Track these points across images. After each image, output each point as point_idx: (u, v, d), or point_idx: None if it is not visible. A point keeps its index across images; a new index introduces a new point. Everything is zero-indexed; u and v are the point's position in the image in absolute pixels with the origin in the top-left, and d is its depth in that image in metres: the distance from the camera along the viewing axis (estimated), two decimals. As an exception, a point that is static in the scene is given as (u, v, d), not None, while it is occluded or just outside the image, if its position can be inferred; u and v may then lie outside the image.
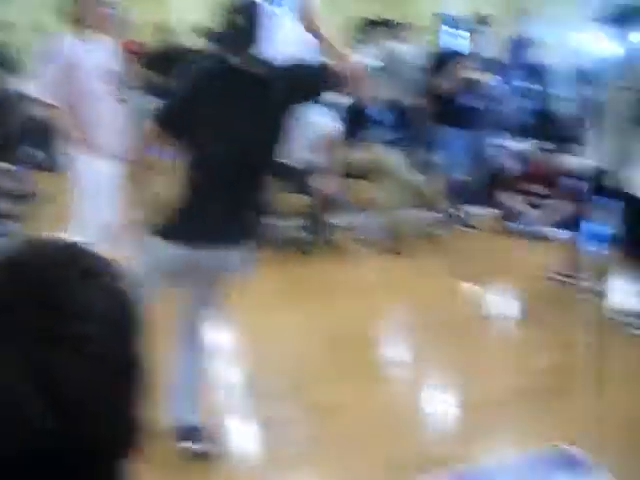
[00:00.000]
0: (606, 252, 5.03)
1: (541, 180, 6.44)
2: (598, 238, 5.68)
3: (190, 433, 2.97)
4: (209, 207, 2.71)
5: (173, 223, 2.75)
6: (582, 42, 10.25)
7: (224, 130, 2.68)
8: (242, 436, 3.30)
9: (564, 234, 5.98)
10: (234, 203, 2.77)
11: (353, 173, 6.05)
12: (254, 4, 2.66)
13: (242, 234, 2.83)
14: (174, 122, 2.74)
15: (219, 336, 4.32)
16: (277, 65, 2.73)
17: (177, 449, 2.93)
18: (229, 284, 2.98)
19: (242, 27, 2.64)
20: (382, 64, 6.52)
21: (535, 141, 6.54)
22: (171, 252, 2.72)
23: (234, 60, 2.68)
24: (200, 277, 2.89)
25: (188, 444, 2.95)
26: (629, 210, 4.64)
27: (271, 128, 2.77)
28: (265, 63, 2.70)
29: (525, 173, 6.52)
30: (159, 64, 7.60)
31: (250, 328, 4.36)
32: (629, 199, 4.48)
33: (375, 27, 10.28)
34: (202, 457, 2.95)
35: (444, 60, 6.38)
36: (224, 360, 4.02)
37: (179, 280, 2.88)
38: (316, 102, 5.61)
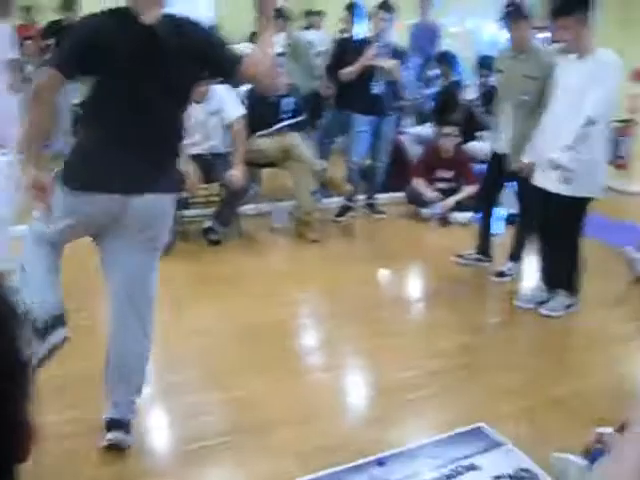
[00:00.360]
0: (508, 233, 5.22)
1: (448, 165, 6.56)
2: (503, 220, 5.89)
3: (109, 423, 2.93)
4: (122, 148, 2.64)
5: (81, 169, 2.68)
6: (484, 30, 10.54)
7: (131, 73, 2.61)
8: (156, 428, 3.27)
9: (471, 217, 6.14)
10: (148, 147, 2.70)
11: (261, 161, 6.02)
12: None
13: (164, 181, 2.75)
14: (77, 61, 2.60)
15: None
16: (194, 25, 2.72)
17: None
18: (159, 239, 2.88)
19: None
20: (285, 51, 6.51)
21: (440, 127, 6.64)
22: (86, 200, 2.63)
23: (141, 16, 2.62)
24: (124, 230, 2.76)
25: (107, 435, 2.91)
26: (523, 193, 4.84)
27: (177, 85, 2.71)
28: (180, 20, 2.69)
29: (431, 158, 6.62)
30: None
31: (162, 320, 4.30)
32: (523, 183, 4.66)
33: (281, 15, 10.28)
34: (116, 448, 2.91)
35: (349, 47, 6.41)
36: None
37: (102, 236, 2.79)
38: (221, 87, 5.60)
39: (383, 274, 5.46)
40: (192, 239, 5.70)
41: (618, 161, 7.81)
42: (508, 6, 4.75)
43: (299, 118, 6.08)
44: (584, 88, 4.02)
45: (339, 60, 6.41)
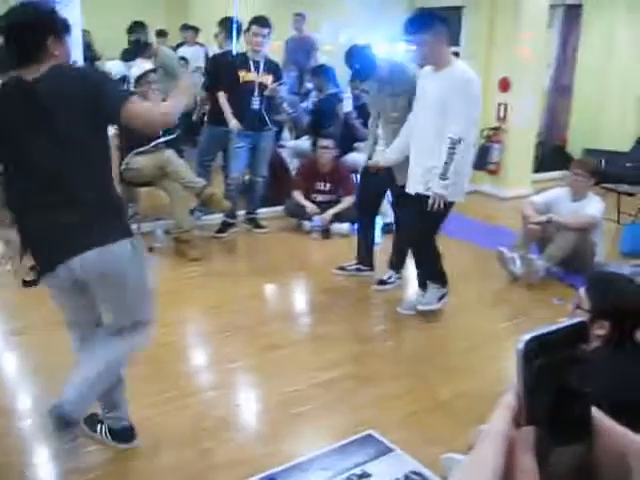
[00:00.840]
0: (387, 242, 5.32)
1: (326, 177, 6.62)
2: (381, 229, 6.00)
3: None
4: (36, 218, 2.64)
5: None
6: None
7: (17, 139, 2.59)
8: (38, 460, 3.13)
9: (351, 228, 6.22)
10: (61, 206, 2.61)
11: (138, 180, 5.89)
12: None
13: (98, 232, 2.66)
14: None
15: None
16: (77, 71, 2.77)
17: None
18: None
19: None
20: (155, 67, 6.40)
21: (317, 140, 6.70)
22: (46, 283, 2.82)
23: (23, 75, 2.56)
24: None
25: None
26: (395, 200, 4.97)
27: (72, 136, 2.60)
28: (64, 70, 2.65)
29: (309, 171, 6.66)
30: None
31: (47, 347, 4.14)
32: (396, 191, 4.79)
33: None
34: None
35: (225, 62, 6.39)
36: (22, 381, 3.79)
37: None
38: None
39: (268, 289, 5.44)
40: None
41: (489, 167, 8.12)
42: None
43: (174, 135, 5.98)
44: (443, 98, 4.13)
45: (216, 76, 6.38)
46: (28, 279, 5.00)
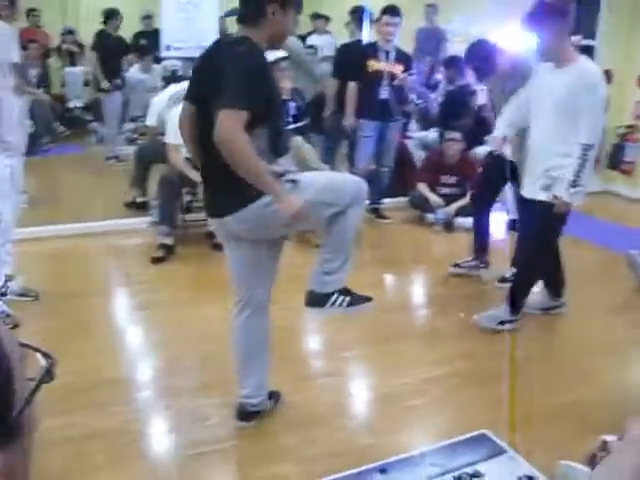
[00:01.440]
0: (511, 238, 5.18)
1: (452, 170, 6.54)
2: (507, 225, 5.85)
3: None
4: None
5: None
6: (490, 37, 10.48)
7: None
8: (157, 433, 3.26)
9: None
10: None
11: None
12: None
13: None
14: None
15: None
16: None
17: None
18: None
19: None
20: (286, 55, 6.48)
21: (445, 132, 6.62)
22: None
23: None
24: None
25: None
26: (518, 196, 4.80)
27: None
28: None
29: (435, 163, 6.60)
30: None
31: (165, 323, 4.30)
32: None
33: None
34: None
35: (355, 52, 6.41)
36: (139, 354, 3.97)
37: None
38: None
39: (388, 279, 5.44)
40: (195, 243, 5.69)
41: (623, 166, 7.78)
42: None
43: (303, 122, 6.06)
44: (569, 96, 3.90)
45: (344, 65, 6.41)
46: (157, 255, 5.24)
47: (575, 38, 8.44)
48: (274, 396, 3.36)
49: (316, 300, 3.19)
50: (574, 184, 3.94)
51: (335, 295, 3.17)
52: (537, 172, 4.11)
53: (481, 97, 6.90)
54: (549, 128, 4.04)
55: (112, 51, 8.42)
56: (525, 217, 4.43)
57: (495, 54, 4.66)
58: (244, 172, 2.63)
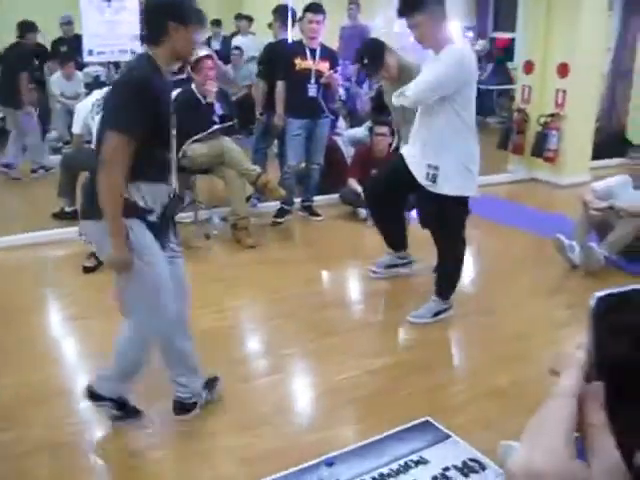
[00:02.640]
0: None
1: (381, 165, 6.59)
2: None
3: None
4: None
5: None
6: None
7: None
8: (101, 441, 3.21)
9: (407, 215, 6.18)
10: None
11: (195, 167, 5.96)
12: None
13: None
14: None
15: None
16: None
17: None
18: None
19: None
20: (209, 53, 6.44)
21: (375, 126, 6.67)
22: None
23: None
24: None
25: None
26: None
27: None
28: None
29: (365, 158, 6.64)
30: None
31: (97, 329, 4.23)
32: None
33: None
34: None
35: (280, 51, 6.41)
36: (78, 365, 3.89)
37: None
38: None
39: (323, 276, 5.46)
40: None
41: (547, 154, 7.98)
42: None
43: (230, 123, 6.04)
44: None
45: (271, 65, 6.41)
46: (88, 265, 5.14)
47: (455, 24, 8.62)
48: (211, 384, 3.36)
49: (91, 395, 3.17)
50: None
51: (108, 401, 3.16)
52: (423, 164, 4.12)
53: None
54: (432, 116, 4.05)
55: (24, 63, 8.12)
56: (425, 204, 4.44)
57: (383, 53, 4.72)
58: (102, 200, 2.70)
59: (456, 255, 4.34)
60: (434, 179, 4.08)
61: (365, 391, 3.56)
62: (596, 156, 8.41)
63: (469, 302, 4.70)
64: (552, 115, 7.95)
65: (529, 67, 8.22)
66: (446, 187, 4.07)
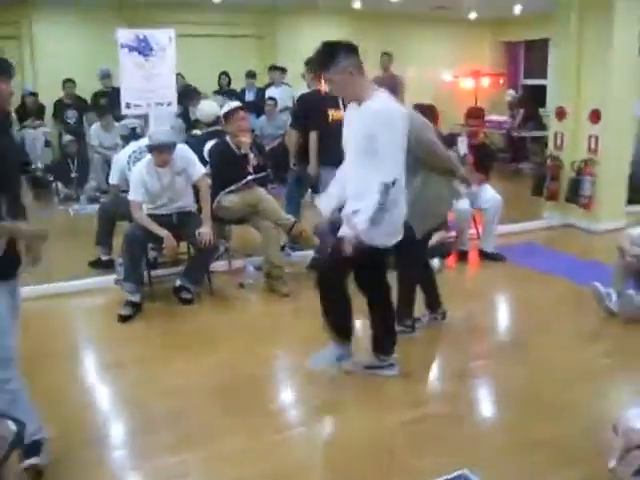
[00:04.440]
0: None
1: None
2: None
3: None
4: None
5: None
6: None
7: None
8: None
9: (439, 263, 6.16)
10: None
11: (230, 217, 6.03)
12: None
13: None
14: None
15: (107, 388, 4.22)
16: None
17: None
18: None
19: None
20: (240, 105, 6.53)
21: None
22: None
23: None
24: None
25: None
26: None
27: None
28: None
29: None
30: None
31: (136, 381, 4.25)
32: None
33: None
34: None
35: (313, 101, 6.49)
36: (111, 413, 3.90)
37: None
38: (183, 147, 5.64)
39: (357, 325, 5.43)
40: (162, 298, 5.66)
41: (581, 200, 7.94)
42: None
43: (264, 173, 6.12)
44: (365, 135, 3.76)
45: (304, 115, 6.49)
46: (124, 313, 5.20)
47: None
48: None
49: None
50: (360, 215, 3.73)
51: None
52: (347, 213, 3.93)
53: (461, 146, 6.89)
54: (353, 169, 3.97)
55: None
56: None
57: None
58: None
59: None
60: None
61: (400, 442, 3.52)
62: (631, 201, 8.34)
63: (505, 350, 4.65)
64: (585, 161, 7.92)
65: (561, 113, 8.22)
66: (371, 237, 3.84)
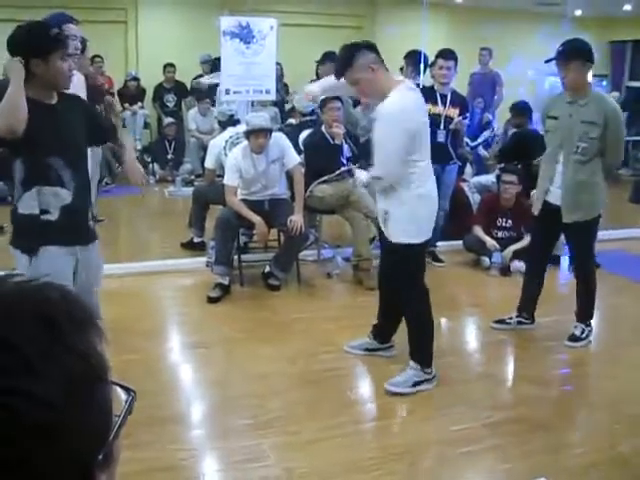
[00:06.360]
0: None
1: (508, 213, 6.49)
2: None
3: None
4: None
5: None
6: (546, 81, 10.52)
7: None
8: (211, 472, 3.26)
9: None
10: None
11: (321, 207, 6.06)
12: None
13: None
14: None
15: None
16: None
17: None
18: None
19: None
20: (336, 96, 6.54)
21: (503, 174, 6.57)
22: None
23: None
24: None
25: None
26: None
27: None
28: None
29: (491, 206, 6.56)
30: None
31: (220, 363, 4.33)
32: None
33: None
34: None
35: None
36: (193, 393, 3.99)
37: None
38: (280, 135, 5.70)
39: (442, 323, 5.39)
40: (251, 283, 5.74)
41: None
42: (562, 45, 4.42)
43: (357, 165, 6.11)
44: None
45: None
46: (213, 295, 5.30)
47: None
48: None
49: None
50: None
51: None
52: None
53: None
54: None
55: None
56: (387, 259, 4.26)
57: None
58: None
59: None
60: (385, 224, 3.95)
61: (480, 445, 3.47)
62: None
63: (593, 360, 4.54)
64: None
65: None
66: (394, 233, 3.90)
